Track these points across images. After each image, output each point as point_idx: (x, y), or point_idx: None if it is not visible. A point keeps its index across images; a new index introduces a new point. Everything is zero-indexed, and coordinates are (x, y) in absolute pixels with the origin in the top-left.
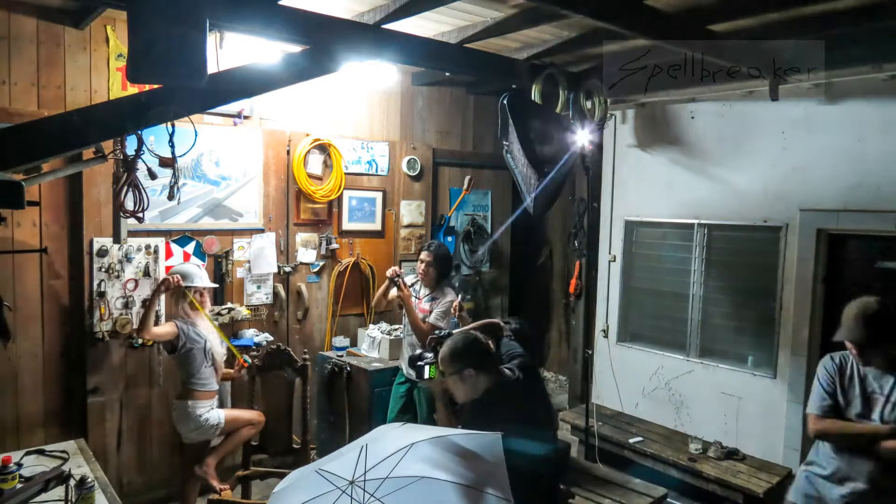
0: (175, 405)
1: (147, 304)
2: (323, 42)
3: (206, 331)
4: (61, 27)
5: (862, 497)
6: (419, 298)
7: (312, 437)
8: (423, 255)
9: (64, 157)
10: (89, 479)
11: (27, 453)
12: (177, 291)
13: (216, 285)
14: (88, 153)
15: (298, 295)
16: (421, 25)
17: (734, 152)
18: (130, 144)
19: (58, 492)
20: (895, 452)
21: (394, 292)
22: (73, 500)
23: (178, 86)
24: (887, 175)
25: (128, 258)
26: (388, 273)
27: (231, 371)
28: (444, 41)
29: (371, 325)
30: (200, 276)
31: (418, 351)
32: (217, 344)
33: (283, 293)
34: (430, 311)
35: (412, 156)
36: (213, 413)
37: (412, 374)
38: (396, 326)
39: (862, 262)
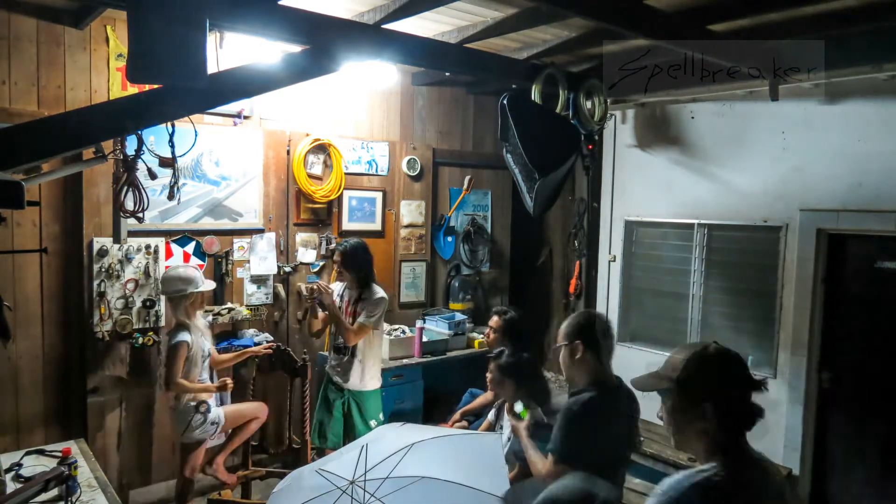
0: (175, 405)
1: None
2: (323, 42)
3: (199, 331)
4: (61, 27)
5: None
6: (346, 301)
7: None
8: (335, 256)
9: (64, 157)
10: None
11: (27, 453)
12: (175, 298)
13: (214, 285)
14: (88, 153)
15: (298, 295)
16: (421, 25)
17: (734, 152)
18: (130, 144)
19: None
20: None
21: (321, 313)
22: (73, 500)
23: (178, 86)
24: (887, 175)
25: (128, 258)
26: (304, 292)
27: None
28: (444, 41)
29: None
30: (202, 280)
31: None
32: (206, 343)
33: (283, 293)
34: (357, 313)
35: (412, 156)
36: (212, 411)
37: (338, 379)
38: (396, 326)
39: (862, 262)
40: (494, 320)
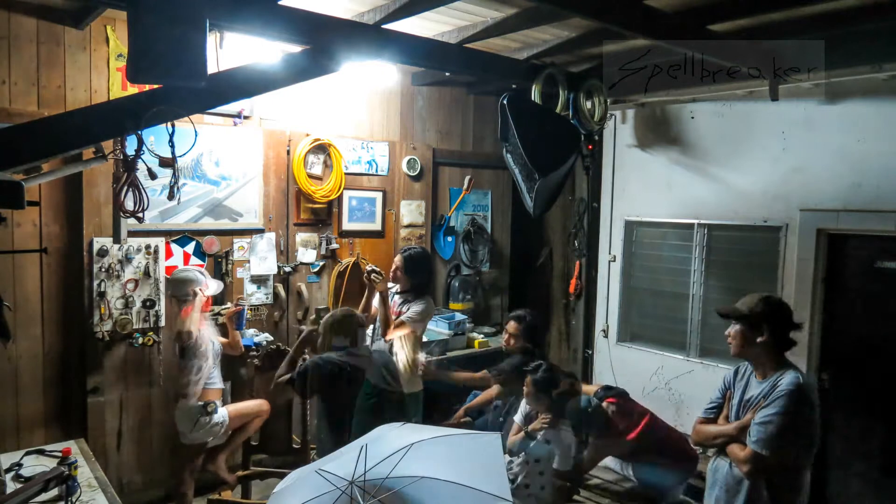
0: (181, 405)
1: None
2: (323, 42)
3: (209, 331)
4: (61, 27)
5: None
6: (393, 302)
7: (312, 437)
8: (395, 259)
9: (64, 157)
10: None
11: (27, 453)
12: (175, 297)
13: (222, 285)
14: (88, 153)
15: (298, 295)
16: (421, 25)
17: (734, 152)
18: (130, 144)
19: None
20: (734, 454)
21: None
22: (73, 500)
23: (178, 86)
24: (887, 175)
25: (128, 258)
26: (372, 273)
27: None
28: (444, 41)
29: (371, 325)
30: (207, 283)
31: None
32: (215, 341)
33: (283, 293)
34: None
35: (412, 156)
36: (218, 411)
37: (381, 383)
38: None
39: (862, 262)
40: (513, 326)
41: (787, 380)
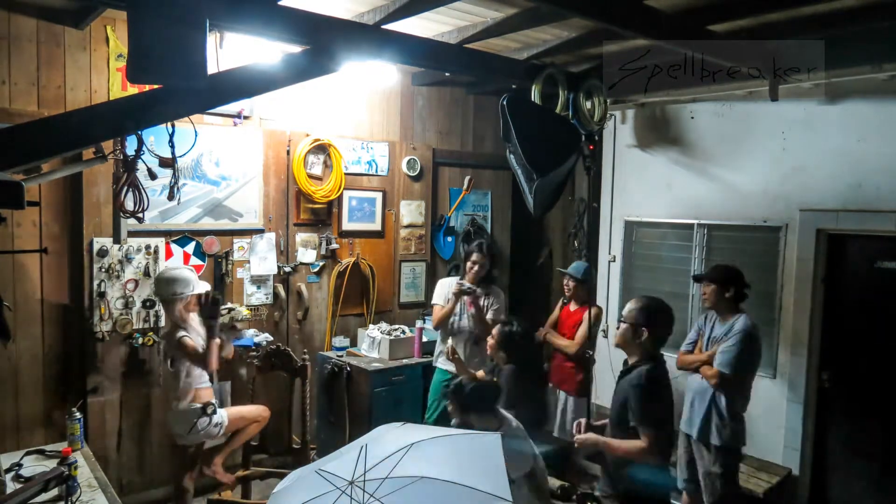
0: (174, 407)
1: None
2: (323, 42)
3: (195, 331)
4: (61, 27)
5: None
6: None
7: (312, 437)
8: (475, 257)
9: (64, 157)
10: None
11: (27, 453)
12: (169, 300)
13: (209, 287)
14: (88, 153)
15: (298, 295)
16: (421, 25)
17: (734, 152)
18: (130, 144)
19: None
20: (705, 373)
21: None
22: (73, 500)
23: (178, 86)
24: (887, 175)
25: (128, 258)
26: (455, 290)
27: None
28: (444, 41)
29: (371, 326)
30: (196, 281)
31: None
32: (202, 342)
33: (283, 293)
34: (483, 307)
35: (412, 156)
36: (217, 412)
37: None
38: (396, 327)
39: (862, 262)
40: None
41: (740, 323)
